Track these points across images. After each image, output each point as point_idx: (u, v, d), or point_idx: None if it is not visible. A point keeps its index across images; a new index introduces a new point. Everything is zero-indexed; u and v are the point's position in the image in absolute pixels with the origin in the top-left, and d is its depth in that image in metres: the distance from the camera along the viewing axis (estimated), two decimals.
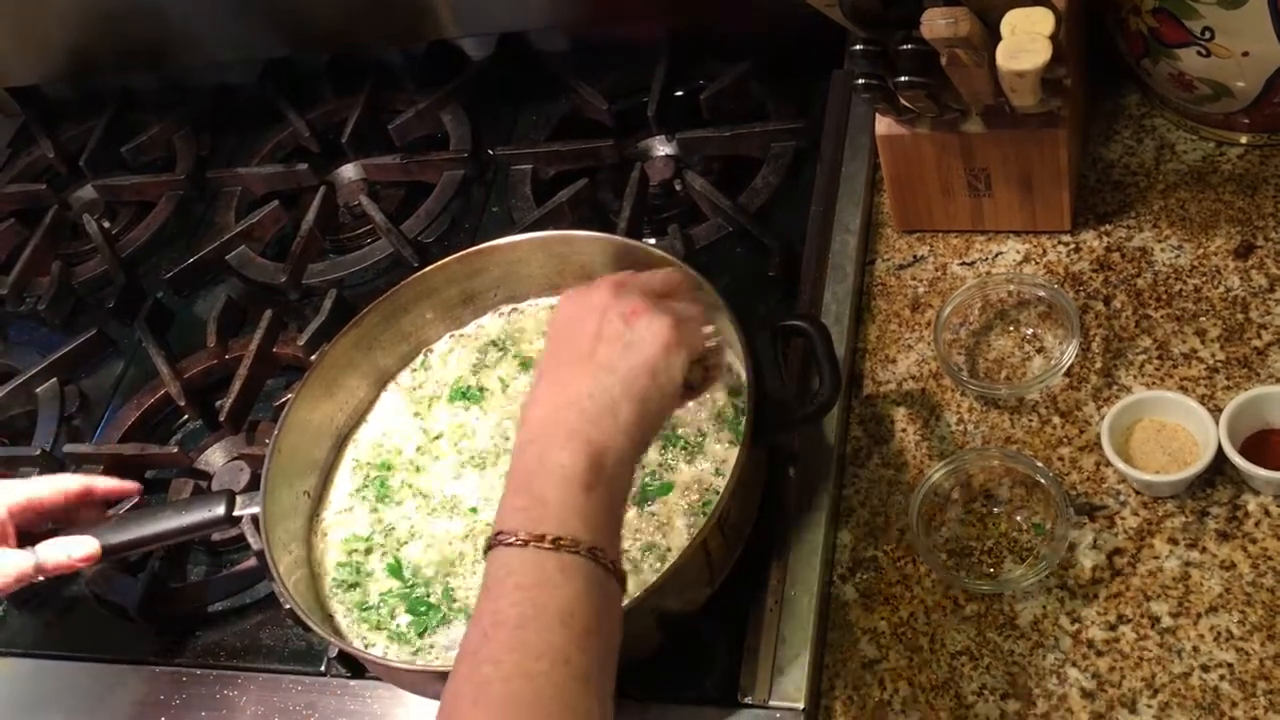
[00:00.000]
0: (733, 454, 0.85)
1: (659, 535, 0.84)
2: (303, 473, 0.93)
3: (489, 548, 0.66)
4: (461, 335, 1.00)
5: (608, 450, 0.68)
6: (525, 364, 0.96)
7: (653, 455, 0.87)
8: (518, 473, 0.68)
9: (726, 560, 0.80)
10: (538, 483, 0.67)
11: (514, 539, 0.64)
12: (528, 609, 0.62)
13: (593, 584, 0.64)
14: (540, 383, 0.72)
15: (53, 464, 1.10)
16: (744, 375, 0.84)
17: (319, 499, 0.94)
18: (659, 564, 0.82)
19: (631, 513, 0.85)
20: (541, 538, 0.64)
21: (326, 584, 0.89)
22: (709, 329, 0.77)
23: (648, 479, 0.86)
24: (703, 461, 0.86)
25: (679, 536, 0.83)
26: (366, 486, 0.93)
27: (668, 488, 0.86)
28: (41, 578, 0.86)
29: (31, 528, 0.88)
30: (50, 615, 1.00)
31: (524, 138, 1.23)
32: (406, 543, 0.89)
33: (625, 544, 0.83)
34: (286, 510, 0.89)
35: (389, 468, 0.94)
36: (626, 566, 0.82)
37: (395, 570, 0.87)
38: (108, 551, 0.89)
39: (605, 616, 0.64)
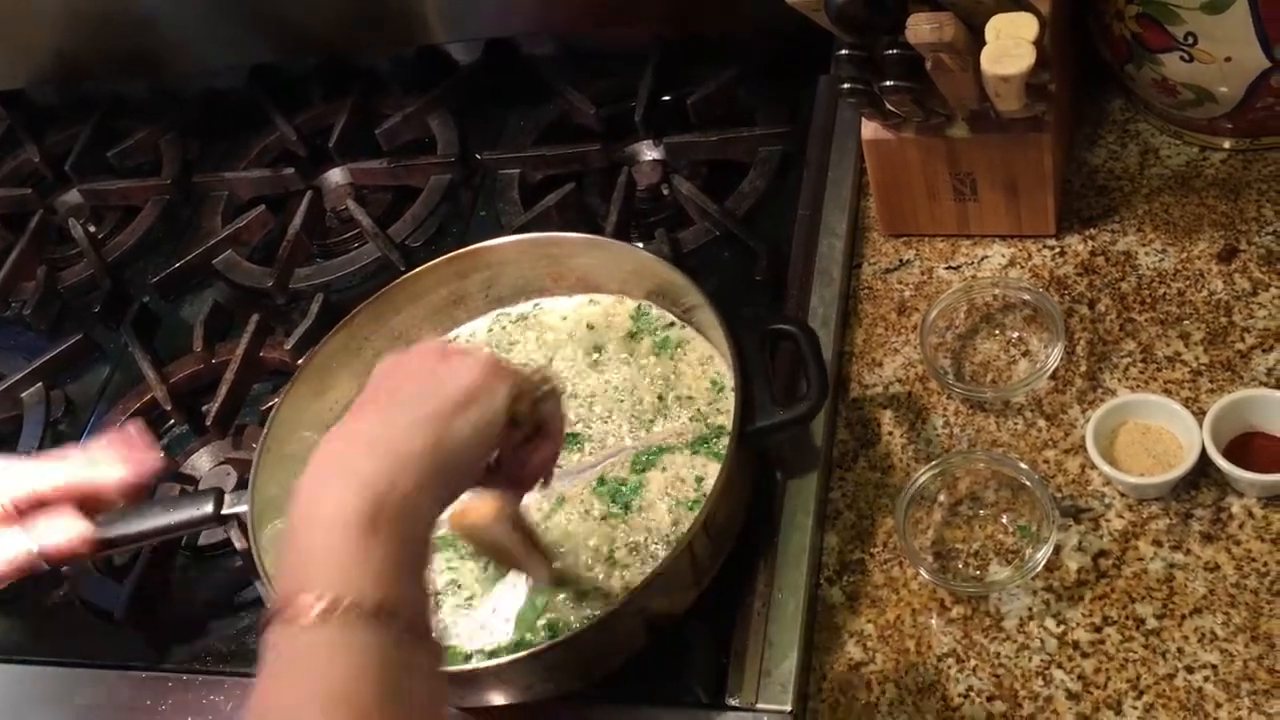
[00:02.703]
0: (710, 466, 0.86)
1: (643, 536, 0.84)
2: (292, 473, 0.92)
3: (263, 626, 0.55)
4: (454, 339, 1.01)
5: (393, 486, 0.57)
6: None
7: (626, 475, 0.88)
8: (291, 526, 0.58)
9: (713, 562, 0.81)
10: (305, 535, 0.57)
11: (280, 611, 0.54)
12: (290, 699, 0.52)
13: (376, 653, 0.53)
14: (329, 432, 0.63)
15: None
16: (730, 379, 0.85)
17: None
18: (643, 565, 0.82)
19: (611, 508, 0.86)
20: (309, 606, 0.53)
21: None
22: (543, 372, 0.70)
23: (623, 487, 0.87)
24: (683, 470, 0.86)
25: (661, 527, 0.84)
26: None
27: (637, 487, 0.87)
28: (45, 565, 0.79)
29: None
30: (34, 619, 1.00)
31: (511, 142, 1.23)
32: None
33: (607, 545, 0.84)
34: (276, 510, 0.89)
35: None
36: (610, 569, 0.82)
37: None
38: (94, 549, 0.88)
39: (397, 687, 0.53)
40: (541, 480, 0.72)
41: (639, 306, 0.97)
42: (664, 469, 0.87)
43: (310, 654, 0.53)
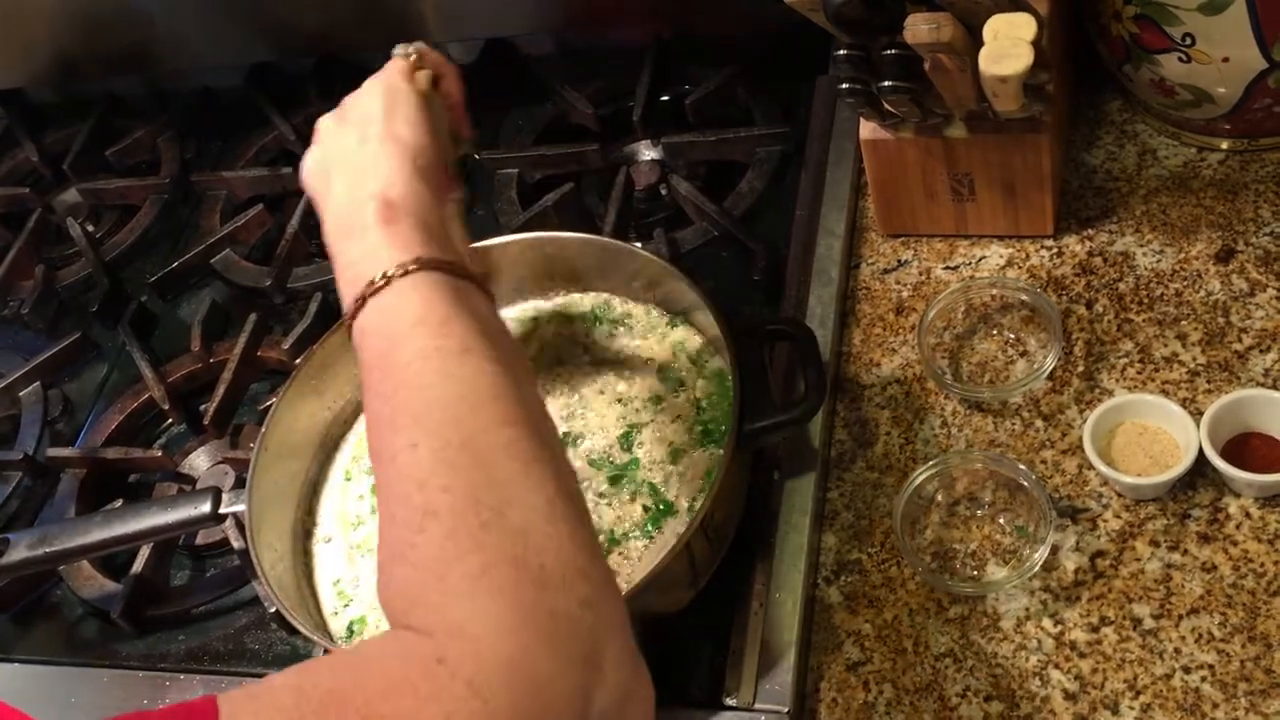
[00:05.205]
0: (712, 455, 0.86)
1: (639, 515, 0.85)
2: (291, 472, 0.93)
3: (348, 330, 0.66)
4: None
5: (391, 185, 0.68)
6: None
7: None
8: (331, 258, 0.69)
9: (710, 562, 0.81)
10: (344, 253, 0.67)
11: (353, 307, 0.65)
12: (384, 341, 0.62)
13: (435, 285, 0.63)
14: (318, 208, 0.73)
15: (35, 468, 1.09)
16: (730, 379, 0.85)
17: (309, 498, 0.93)
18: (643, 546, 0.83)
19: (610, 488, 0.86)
20: (370, 285, 0.64)
21: (314, 581, 0.88)
22: (410, 49, 0.80)
23: (617, 464, 0.87)
24: (685, 466, 0.86)
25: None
26: (361, 495, 0.93)
27: (630, 467, 0.87)
28: None
29: None
30: (31, 618, 1.00)
31: (510, 142, 1.23)
32: None
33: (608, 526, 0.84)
34: (273, 508, 0.89)
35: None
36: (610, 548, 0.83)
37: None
38: (91, 548, 0.89)
39: (461, 304, 0.63)
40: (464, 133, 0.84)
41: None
42: (670, 449, 0.87)
43: (388, 307, 0.63)
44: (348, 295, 0.66)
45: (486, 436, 0.58)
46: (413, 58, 0.79)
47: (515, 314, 1.00)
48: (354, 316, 0.65)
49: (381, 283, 0.63)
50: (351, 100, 0.76)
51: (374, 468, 0.61)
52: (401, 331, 0.62)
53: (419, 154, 0.71)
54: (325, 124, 0.76)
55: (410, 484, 0.57)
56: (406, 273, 0.63)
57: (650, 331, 0.95)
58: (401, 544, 0.56)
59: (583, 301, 0.99)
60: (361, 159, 0.71)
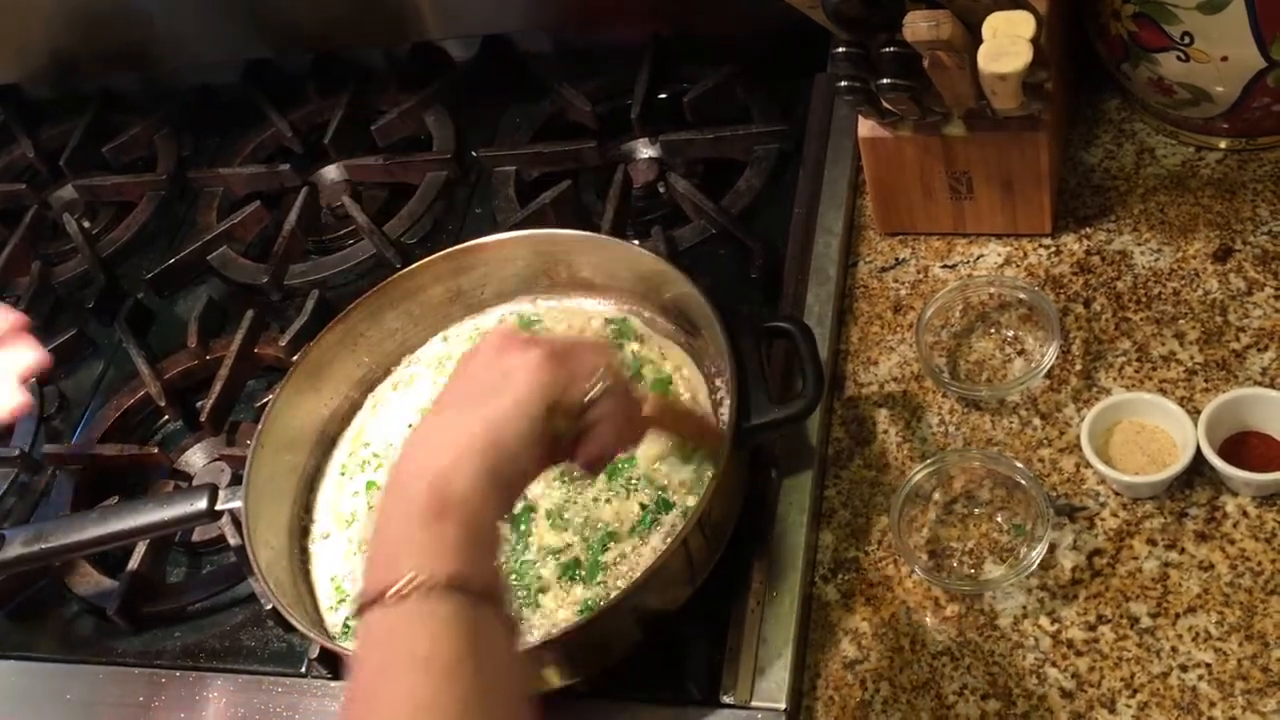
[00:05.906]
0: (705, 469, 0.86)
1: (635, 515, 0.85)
2: (287, 468, 0.93)
3: (357, 615, 0.62)
4: (455, 338, 1.00)
5: (454, 473, 0.63)
6: None
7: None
8: (375, 523, 0.65)
9: (708, 560, 0.81)
10: (385, 530, 0.63)
11: (365, 601, 0.61)
12: (385, 659, 0.58)
13: (454, 618, 0.59)
14: (420, 419, 0.70)
15: (31, 465, 1.09)
16: (727, 378, 0.85)
17: (306, 494, 0.93)
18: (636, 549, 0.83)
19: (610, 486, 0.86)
20: (389, 587, 0.59)
21: (310, 577, 0.88)
22: (596, 376, 0.70)
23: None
24: (679, 464, 0.86)
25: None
26: (356, 492, 0.93)
27: (629, 463, 0.87)
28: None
29: None
30: (27, 615, 1.00)
31: (507, 139, 1.23)
32: None
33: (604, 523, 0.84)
34: (269, 505, 0.89)
35: (376, 467, 0.94)
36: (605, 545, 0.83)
37: None
38: (87, 544, 0.89)
39: (474, 648, 0.59)
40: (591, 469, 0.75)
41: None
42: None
43: (396, 627, 0.59)
44: (371, 573, 0.62)
45: None
46: (591, 395, 0.69)
47: (511, 310, 1.00)
48: (368, 608, 0.61)
49: (405, 587, 0.59)
50: (520, 342, 0.69)
51: None
52: (406, 663, 0.58)
53: (505, 461, 0.65)
54: (490, 339, 0.70)
55: None
56: (433, 587, 0.59)
57: (647, 340, 0.94)
58: None
59: (582, 302, 0.98)
60: (460, 416, 0.66)
